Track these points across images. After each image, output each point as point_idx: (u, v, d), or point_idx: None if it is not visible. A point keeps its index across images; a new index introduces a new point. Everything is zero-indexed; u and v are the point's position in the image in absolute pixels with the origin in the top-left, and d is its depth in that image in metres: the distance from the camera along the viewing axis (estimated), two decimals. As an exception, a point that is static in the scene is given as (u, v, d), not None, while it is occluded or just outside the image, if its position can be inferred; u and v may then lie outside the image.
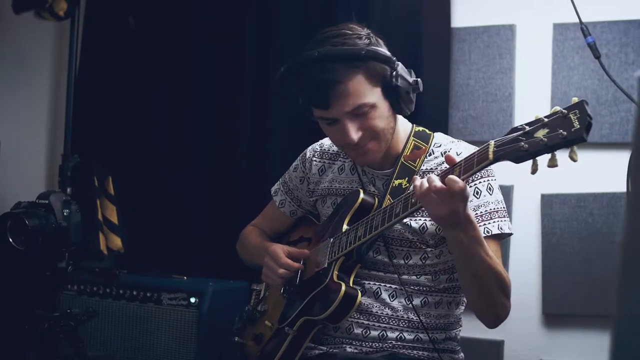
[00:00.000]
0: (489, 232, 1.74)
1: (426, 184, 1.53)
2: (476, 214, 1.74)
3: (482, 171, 1.74)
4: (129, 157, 3.04)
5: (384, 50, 1.73)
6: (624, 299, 0.76)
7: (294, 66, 1.74)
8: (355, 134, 1.72)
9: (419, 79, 1.76)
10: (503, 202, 1.80)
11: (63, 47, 3.07)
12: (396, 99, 1.74)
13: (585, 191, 2.52)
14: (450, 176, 1.51)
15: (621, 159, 2.28)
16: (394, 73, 1.71)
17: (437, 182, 1.51)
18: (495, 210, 1.77)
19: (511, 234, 1.80)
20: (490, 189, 1.78)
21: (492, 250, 1.69)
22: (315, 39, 1.75)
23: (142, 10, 3.01)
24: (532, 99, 2.61)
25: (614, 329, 0.77)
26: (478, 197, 1.76)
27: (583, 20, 2.17)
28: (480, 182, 1.77)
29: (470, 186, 1.76)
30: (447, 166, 1.57)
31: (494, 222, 1.75)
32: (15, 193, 2.56)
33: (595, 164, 2.47)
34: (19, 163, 3.05)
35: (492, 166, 1.77)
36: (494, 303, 1.70)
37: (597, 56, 2.17)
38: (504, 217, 1.78)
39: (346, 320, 1.78)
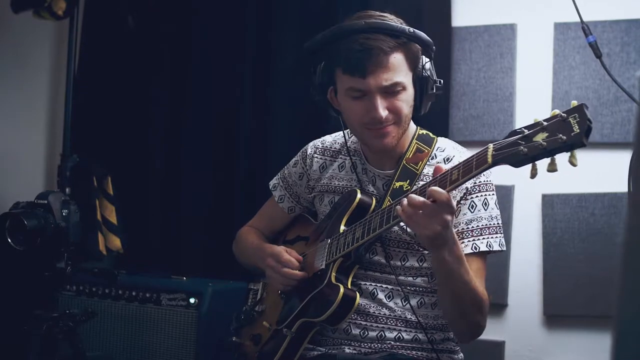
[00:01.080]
0: (476, 249, 1.74)
1: (407, 205, 1.52)
2: (468, 227, 1.74)
3: (481, 185, 1.76)
4: (128, 157, 3.03)
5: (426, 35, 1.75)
6: (625, 299, 0.76)
7: (337, 33, 1.73)
8: (382, 111, 1.72)
9: (441, 80, 1.80)
10: (498, 218, 1.78)
11: (62, 46, 3.06)
12: (422, 91, 1.76)
13: (586, 191, 2.51)
14: (433, 187, 1.50)
15: (622, 158, 2.26)
16: (427, 64, 1.76)
17: (419, 198, 1.51)
18: (487, 226, 1.75)
19: (502, 251, 1.79)
20: (485, 204, 1.77)
21: (475, 267, 1.71)
22: (355, 16, 1.76)
23: (142, 9, 3.00)
24: (533, 99, 2.60)
25: (615, 330, 0.76)
26: (472, 211, 1.76)
27: (584, 19, 2.15)
28: (476, 197, 1.76)
29: (467, 199, 1.76)
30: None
31: (484, 238, 1.74)
32: (13, 193, 2.55)
33: (597, 163, 2.45)
34: (17, 163, 3.04)
35: (495, 177, 1.78)
36: (467, 321, 1.72)
37: (599, 56, 2.16)
38: (496, 234, 1.76)
39: (344, 321, 1.77)
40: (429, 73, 1.76)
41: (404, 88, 1.73)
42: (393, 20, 1.74)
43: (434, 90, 1.78)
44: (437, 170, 1.57)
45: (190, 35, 3.01)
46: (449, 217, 1.51)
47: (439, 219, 1.50)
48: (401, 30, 1.71)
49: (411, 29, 1.72)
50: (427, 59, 1.77)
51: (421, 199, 1.50)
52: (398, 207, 1.55)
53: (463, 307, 1.68)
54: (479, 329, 1.75)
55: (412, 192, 1.57)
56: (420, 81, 1.76)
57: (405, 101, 1.74)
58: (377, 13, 1.77)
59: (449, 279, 1.63)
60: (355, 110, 1.76)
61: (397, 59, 1.71)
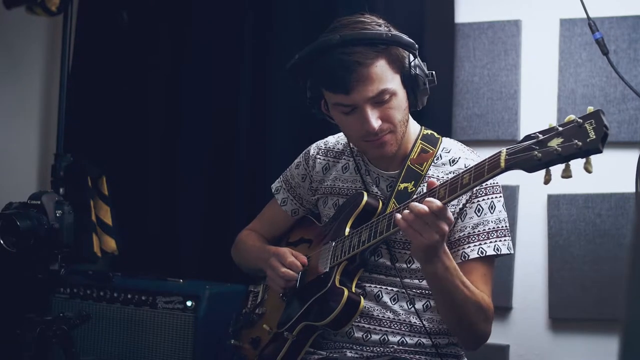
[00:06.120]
0: (483, 253, 1.72)
1: (409, 212, 1.51)
2: (474, 231, 1.72)
3: (487, 188, 1.74)
4: (124, 156, 3.01)
5: (406, 36, 1.70)
6: (632, 302, 0.75)
7: (314, 51, 1.69)
8: (375, 122, 1.68)
9: (433, 72, 1.74)
10: (505, 220, 1.76)
11: (55, 43, 3.05)
12: (414, 89, 1.72)
13: (592, 191, 2.48)
14: (429, 198, 1.50)
15: (630, 158, 2.27)
16: (414, 62, 1.70)
17: (422, 205, 1.49)
18: (494, 229, 1.73)
19: (510, 254, 1.77)
20: (492, 207, 1.74)
21: (481, 273, 1.70)
22: (332, 27, 1.72)
23: (137, 4, 2.97)
24: (538, 97, 2.59)
25: (623, 333, 0.75)
26: (479, 215, 1.73)
27: (591, 15, 2.16)
28: (482, 200, 1.74)
29: (473, 202, 1.74)
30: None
31: (491, 242, 1.72)
32: (6, 193, 2.55)
33: (603, 163, 2.37)
34: (10, 162, 3.04)
35: (500, 177, 1.74)
36: (472, 329, 1.70)
37: (605, 52, 2.16)
38: (504, 236, 1.74)
39: (347, 326, 1.74)
40: (417, 70, 1.71)
41: (394, 93, 1.69)
42: (371, 25, 1.69)
43: (427, 85, 1.74)
44: (430, 185, 1.56)
45: (187, 34, 3.00)
46: (446, 227, 1.51)
47: (437, 228, 1.50)
48: (378, 37, 1.65)
49: (389, 33, 1.67)
50: (415, 56, 1.71)
51: (424, 207, 1.49)
52: (398, 214, 1.53)
53: (464, 317, 1.66)
54: (484, 336, 1.73)
55: (415, 200, 1.56)
56: (410, 80, 1.71)
57: (397, 107, 1.70)
58: (355, 19, 1.72)
59: (444, 291, 1.63)
60: (349, 125, 1.74)
61: (379, 67, 1.66)
